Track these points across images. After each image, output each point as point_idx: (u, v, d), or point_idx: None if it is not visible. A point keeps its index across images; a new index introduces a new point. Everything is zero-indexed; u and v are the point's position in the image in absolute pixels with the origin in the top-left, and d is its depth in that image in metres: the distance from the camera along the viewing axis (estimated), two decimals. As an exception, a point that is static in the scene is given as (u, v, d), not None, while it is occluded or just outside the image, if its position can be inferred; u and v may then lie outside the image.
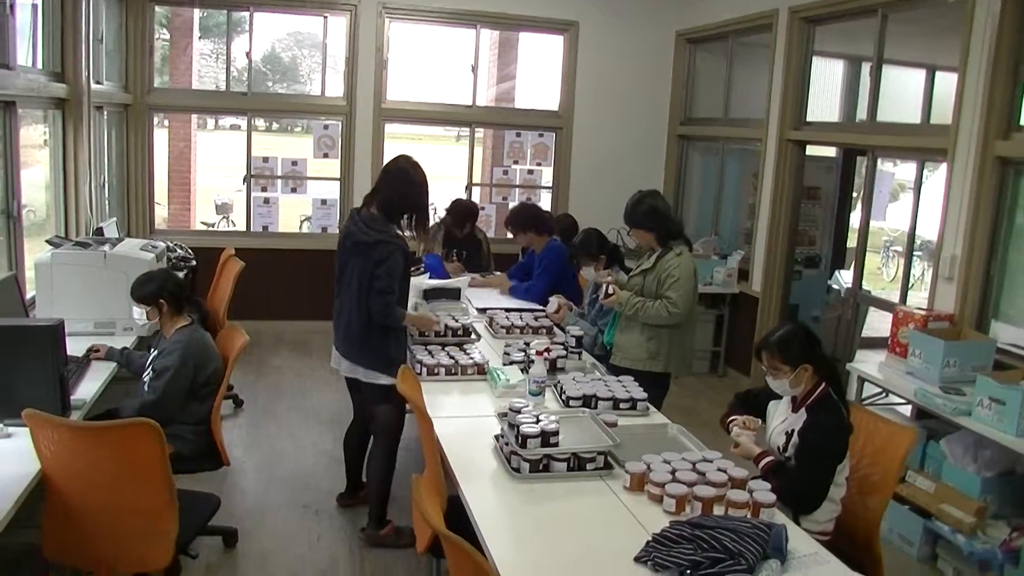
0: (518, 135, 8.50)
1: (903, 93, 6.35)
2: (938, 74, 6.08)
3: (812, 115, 6.67)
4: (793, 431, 3.08)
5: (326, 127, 7.92)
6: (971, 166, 4.71)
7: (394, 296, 3.91)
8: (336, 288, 4.12)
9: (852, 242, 8.48)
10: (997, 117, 4.60)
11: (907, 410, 5.08)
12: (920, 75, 6.48)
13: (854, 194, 8.11)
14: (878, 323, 9.06)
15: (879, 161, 6.38)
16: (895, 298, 7.03)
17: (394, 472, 4.19)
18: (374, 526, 4.17)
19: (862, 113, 6.25)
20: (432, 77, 8.90)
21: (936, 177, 9.07)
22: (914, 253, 6.93)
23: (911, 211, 6.09)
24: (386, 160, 7.77)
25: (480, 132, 9.04)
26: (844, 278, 7.84)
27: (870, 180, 6.15)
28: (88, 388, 3.65)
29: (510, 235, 5.96)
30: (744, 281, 7.24)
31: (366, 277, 3.90)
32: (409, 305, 4.36)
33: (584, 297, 5.04)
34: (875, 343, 8.13)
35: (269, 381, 6.52)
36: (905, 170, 12.42)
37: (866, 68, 6.02)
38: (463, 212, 6.30)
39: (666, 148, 8.52)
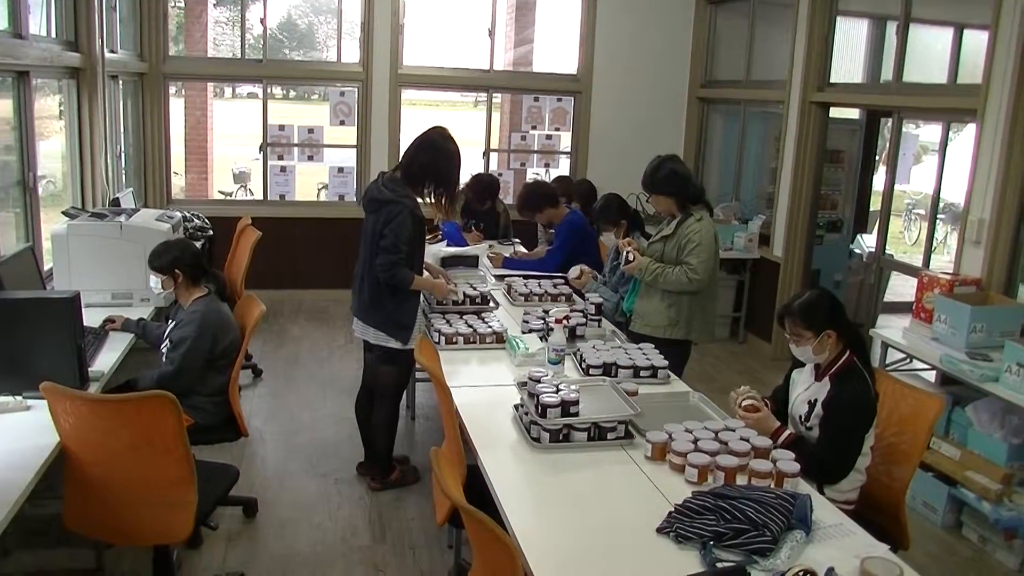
0: (536, 100, 8.38)
1: (929, 52, 6.18)
2: (965, 32, 5.91)
3: (836, 76, 6.51)
4: (816, 400, 3.02)
5: (342, 94, 7.84)
6: (1002, 126, 4.58)
7: (399, 256, 3.89)
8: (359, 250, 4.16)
9: (874, 206, 8.37)
10: (1029, 75, 4.46)
11: (931, 376, 5.00)
12: (946, 34, 6.30)
13: (875, 157, 7.97)
14: (900, 287, 8.95)
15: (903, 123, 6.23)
16: (917, 262, 6.91)
17: (397, 428, 4.39)
18: (381, 478, 4.36)
19: (887, 74, 6.10)
20: (449, 42, 8.78)
21: (961, 138, 8.91)
22: (937, 216, 6.80)
23: (936, 173, 5.97)
24: (404, 127, 7.80)
25: (497, 97, 8.92)
26: (866, 242, 7.74)
27: (895, 142, 6.01)
28: (106, 359, 3.64)
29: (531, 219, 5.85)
30: (765, 246, 7.14)
31: (376, 236, 3.93)
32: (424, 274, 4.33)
33: (605, 264, 4.97)
34: (896, 308, 8.02)
35: (288, 351, 6.52)
36: (928, 132, 12.21)
37: (891, 27, 5.86)
38: (484, 188, 6.24)
39: (686, 111, 8.37)
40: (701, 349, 6.71)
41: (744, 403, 3.12)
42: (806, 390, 3.10)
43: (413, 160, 4.01)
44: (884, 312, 6.91)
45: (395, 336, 4.06)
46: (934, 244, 6.95)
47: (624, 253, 4.33)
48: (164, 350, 3.72)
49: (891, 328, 5.08)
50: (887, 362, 4.83)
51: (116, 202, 5.63)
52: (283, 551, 3.77)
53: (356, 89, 7.80)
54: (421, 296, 4.19)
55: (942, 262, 8.76)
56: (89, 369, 3.36)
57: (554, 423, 2.90)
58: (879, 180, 8.08)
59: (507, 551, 1.96)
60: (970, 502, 4.16)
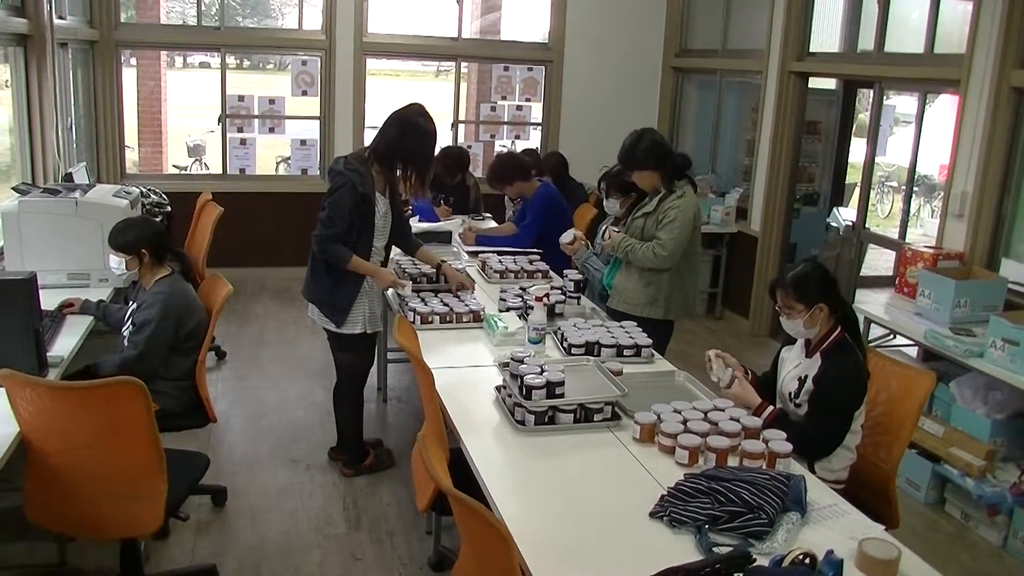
0: (506, 69, 8.30)
1: (909, 21, 6.20)
2: (943, 1, 5.93)
3: (815, 45, 6.51)
4: (807, 377, 3.03)
5: (304, 63, 7.71)
6: (985, 97, 4.62)
7: (334, 231, 3.81)
8: None
9: (850, 178, 8.43)
10: (1014, 45, 4.48)
11: (912, 352, 5.06)
12: (923, 2, 6.32)
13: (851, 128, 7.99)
14: (873, 261, 9.05)
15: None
16: (890, 235, 6.99)
17: (362, 414, 4.33)
18: (354, 464, 4.32)
19: (867, 43, 6.11)
20: (415, 9, 8.65)
21: (933, 110, 8.97)
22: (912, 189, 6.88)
23: (912, 145, 6.00)
24: (369, 98, 7.70)
25: (465, 67, 8.82)
26: (843, 215, 7.79)
27: (876, 113, 6.03)
28: (64, 344, 3.55)
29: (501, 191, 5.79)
30: (743, 220, 7.16)
31: (320, 208, 3.89)
32: (397, 251, 4.24)
33: (598, 235, 4.91)
34: (870, 282, 8.12)
35: (252, 331, 6.44)
36: (900, 103, 12.33)
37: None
38: (454, 162, 6.17)
39: (660, 81, 8.34)
40: (677, 326, 6.70)
41: (716, 366, 3.15)
42: (796, 367, 3.11)
43: (383, 136, 3.93)
44: (859, 287, 6.98)
45: (330, 317, 4.00)
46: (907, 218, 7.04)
47: (602, 231, 4.30)
48: (126, 333, 3.64)
49: (870, 303, 5.12)
50: (869, 338, 4.88)
51: (69, 177, 5.48)
52: (255, 541, 3.72)
53: (319, 58, 7.67)
54: (367, 282, 4.03)
55: (915, 235, 8.88)
56: (47, 354, 3.27)
57: (539, 405, 2.88)
58: (855, 152, 8.15)
59: (500, 539, 1.94)
60: (953, 478, 4.22)
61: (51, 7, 5.53)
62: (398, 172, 3.95)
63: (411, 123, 3.91)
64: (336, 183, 3.83)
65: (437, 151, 6.26)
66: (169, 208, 6.22)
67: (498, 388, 3.16)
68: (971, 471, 4.11)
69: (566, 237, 4.62)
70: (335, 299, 3.98)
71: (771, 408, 3.06)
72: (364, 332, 4.05)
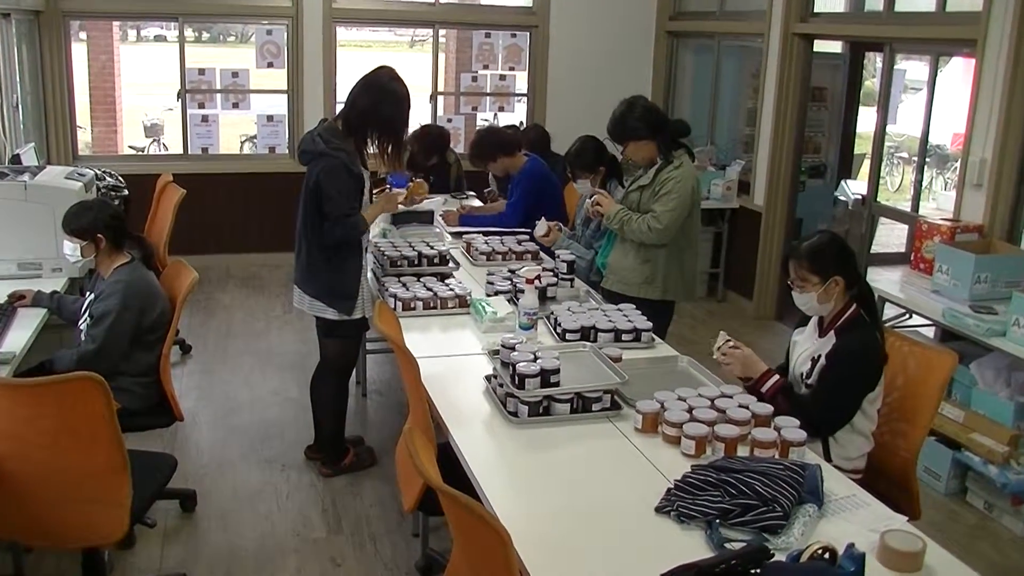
0: (487, 36, 8.24)
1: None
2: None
3: (820, 5, 6.49)
4: (820, 356, 3.02)
5: (270, 32, 7.64)
6: (1004, 57, 4.61)
7: (353, 212, 3.84)
8: None
9: (859, 148, 8.42)
10: (1035, 1, 4.49)
11: (929, 332, 5.07)
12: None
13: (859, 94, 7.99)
14: (883, 237, 9.08)
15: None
16: (902, 208, 7.00)
17: (347, 408, 4.32)
18: (333, 463, 4.31)
19: (874, 2, 6.09)
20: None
21: (945, 76, 8.99)
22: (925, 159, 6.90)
23: (924, 113, 6.01)
24: (340, 71, 7.63)
25: (443, 35, 8.76)
26: (852, 188, 7.81)
27: (887, 78, 6.02)
28: (16, 339, 3.51)
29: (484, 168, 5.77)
30: (745, 194, 7.15)
31: (309, 193, 3.85)
32: (375, 232, 4.25)
33: (576, 216, 4.90)
34: (881, 259, 8.15)
35: (219, 322, 6.39)
36: (909, 68, 12.36)
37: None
38: (432, 141, 6.12)
39: (654, 47, 8.31)
40: (677, 309, 6.69)
41: (724, 347, 3.15)
42: (808, 349, 3.11)
43: (354, 105, 3.88)
44: (869, 264, 7.00)
45: (335, 306, 3.98)
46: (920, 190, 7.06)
47: (585, 206, 4.29)
48: (83, 327, 3.60)
49: (881, 280, 5.12)
50: (884, 318, 4.88)
51: (16, 159, 5.43)
52: (228, 547, 3.70)
53: (285, 27, 7.60)
54: (365, 261, 4.09)
55: (928, 209, 8.92)
56: (-2, 350, 3.25)
57: (533, 395, 2.86)
58: (863, 121, 8.16)
59: (497, 539, 1.91)
60: (975, 466, 4.23)
61: (-8, -26, 5.45)
62: (370, 143, 3.91)
63: (384, 89, 3.87)
64: (327, 165, 3.78)
65: (417, 128, 6.28)
66: (126, 192, 6.15)
67: (488, 378, 3.14)
68: (994, 458, 4.12)
69: (539, 230, 4.63)
70: (343, 288, 3.97)
71: (776, 378, 3.05)
72: (363, 316, 4.06)
